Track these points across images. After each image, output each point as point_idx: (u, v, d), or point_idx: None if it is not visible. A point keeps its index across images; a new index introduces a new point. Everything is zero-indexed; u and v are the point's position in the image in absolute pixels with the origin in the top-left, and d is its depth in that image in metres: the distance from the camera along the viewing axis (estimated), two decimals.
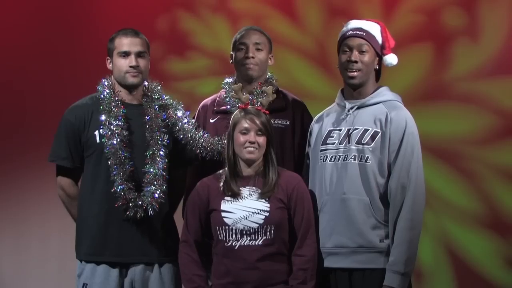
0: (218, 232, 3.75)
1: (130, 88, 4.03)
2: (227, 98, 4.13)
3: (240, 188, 3.75)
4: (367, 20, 3.94)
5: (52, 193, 4.33)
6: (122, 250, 3.95)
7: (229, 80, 4.23)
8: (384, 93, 3.86)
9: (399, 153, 3.73)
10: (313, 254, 3.75)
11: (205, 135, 4.06)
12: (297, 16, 5.90)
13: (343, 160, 3.78)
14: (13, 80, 6.08)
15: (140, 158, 3.96)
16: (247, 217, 3.72)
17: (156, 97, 4.06)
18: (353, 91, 3.85)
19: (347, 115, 3.83)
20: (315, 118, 4.03)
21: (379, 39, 3.91)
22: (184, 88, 5.92)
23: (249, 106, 3.77)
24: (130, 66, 3.99)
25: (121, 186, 3.89)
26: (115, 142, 3.91)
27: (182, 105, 4.11)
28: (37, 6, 6.12)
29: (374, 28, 3.90)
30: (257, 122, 3.73)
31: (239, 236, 3.72)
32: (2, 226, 6.08)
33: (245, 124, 3.73)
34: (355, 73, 3.80)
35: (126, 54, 4.00)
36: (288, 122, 4.16)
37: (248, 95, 3.85)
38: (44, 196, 5.88)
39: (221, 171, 3.84)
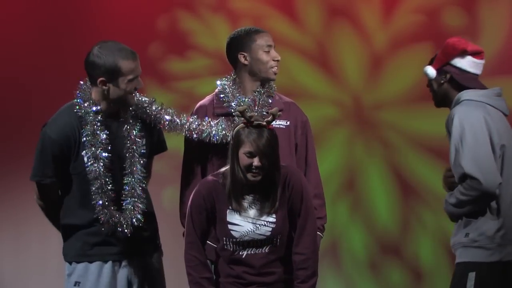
0: (225, 243, 3.75)
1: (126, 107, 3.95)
2: (226, 100, 4.12)
3: (245, 197, 3.73)
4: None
5: None
6: (114, 250, 3.95)
7: (223, 81, 4.19)
8: (458, 97, 3.88)
9: (450, 148, 3.77)
10: (312, 251, 3.76)
11: (190, 118, 4.03)
12: (297, 16, 5.90)
13: None
14: (15, 80, 6.08)
15: (120, 171, 3.91)
16: (254, 230, 3.72)
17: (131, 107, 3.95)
18: None
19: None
20: None
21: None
22: (184, 88, 5.92)
23: (253, 119, 3.67)
24: (136, 88, 3.90)
25: (104, 211, 3.85)
26: (97, 167, 3.84)
27: (154, 99, 4.00)
28: (36, 6, 6.11)
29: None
30: (261, 146, 3.64)
31: (246, 246, 3.74)
32: (2, 226, 6.08)
33: (249, 148, 3.65)
34: None
35: (135, 78, 3.87)
36: (288, 123, 4.17)
37: (255, 113, 3.75)
38: None
39: (222, 170, 3.80)
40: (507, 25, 5.52)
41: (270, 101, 4.14)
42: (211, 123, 4.04)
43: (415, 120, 5.70)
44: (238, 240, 3.73)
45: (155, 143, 4.07)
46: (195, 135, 4.03)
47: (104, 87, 3.86)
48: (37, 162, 3.94)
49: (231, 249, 3.75)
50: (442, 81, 3.91)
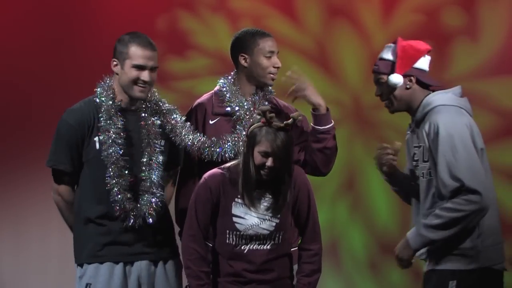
0: (227, 236, 3.76)
1: (135, 99, 3.97)
2: (227, 100, 4.11)
3: (256, 192, 3.74)
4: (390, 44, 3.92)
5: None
6: (125, 250, 3.93)
7: (223, 81, 4.18)
8: (429, 102, 3.76)
9: (439, 160, 3.63)
10: (319, 247, 3.82)
11: (202, 139, 4.01)
12: (297, 16, 5.91)
13: (423, 177, 3.76)
14: (14, 80, 6.08)
15: (137, 165, 3.92)
16: (259, 224, 3.74)
17: (153, 102, 3.99)
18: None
19: (414, 133, 3.81)
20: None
21: (391, 57, 3.87)
22: (184, 87, 5.93)
23: (272, 120, 3.67)
24: (142, 81, 3.90)
25: (119, 196, 3.87)
26: (114, 151, 3.87)
27: (177, 109, 4.04)
28: (36, 5, 6.12)
29: (387, 50, 3.91)
30: (276, 147, 3.65)
31: (248, 240, 3.75)
32: (2, 226, 6.08)
33: (265, 147, 3.66)
34: None
35: (140, 68, 3.89)
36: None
37: (274, 115, 3.74)
38: (44, 196, 5.85)
39: (228, 165, 3.81)
40: (507, 25, 5.52)
41: (268, 104, 4.11)
42: (224, 139, 4.01)
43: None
44: (241, 233, 3.74)
45: (173, 154, 4.06)
46: (204, 157, 4.00)
47: (116, 68, 3.93)
48: (53, 147, 3.98)
49: (234, 243, 3.75)
50: (408, 86, 3.79)
